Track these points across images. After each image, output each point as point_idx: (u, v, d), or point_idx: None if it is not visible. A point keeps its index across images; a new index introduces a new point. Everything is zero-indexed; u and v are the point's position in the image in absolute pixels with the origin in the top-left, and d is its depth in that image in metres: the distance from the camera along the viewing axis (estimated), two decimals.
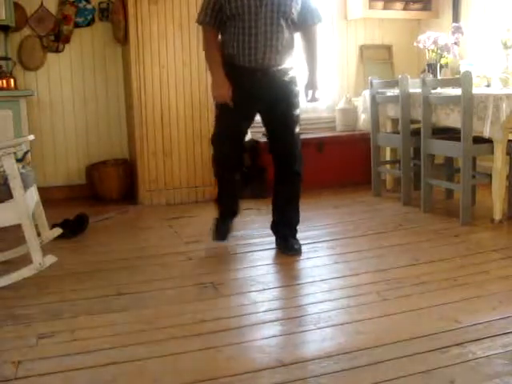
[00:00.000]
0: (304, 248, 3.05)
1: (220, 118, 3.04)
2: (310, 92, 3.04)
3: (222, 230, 3.18)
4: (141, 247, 3.26)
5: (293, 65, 2.95)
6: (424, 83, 3.69)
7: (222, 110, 2.98)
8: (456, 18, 4.92)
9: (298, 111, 2.99)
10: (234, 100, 2.88)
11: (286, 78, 2.92)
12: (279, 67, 2.87)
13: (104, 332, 2.12)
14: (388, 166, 4.54)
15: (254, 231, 3.44)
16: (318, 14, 2.97)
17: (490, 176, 3.50)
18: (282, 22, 2.81)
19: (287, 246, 3.02)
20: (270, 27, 2.78)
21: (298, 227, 3.12)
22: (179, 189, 4.37)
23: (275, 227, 3.15)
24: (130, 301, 2.44)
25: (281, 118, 2.95)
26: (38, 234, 2.81)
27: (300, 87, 3.02)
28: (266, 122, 3.04)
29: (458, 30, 4.32)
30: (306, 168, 4.76)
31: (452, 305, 2.28)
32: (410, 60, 5.29)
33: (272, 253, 3.06)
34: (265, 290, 2.55)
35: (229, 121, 2.97)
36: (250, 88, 2.87)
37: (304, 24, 2.93)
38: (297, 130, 2.99)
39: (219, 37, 2.95)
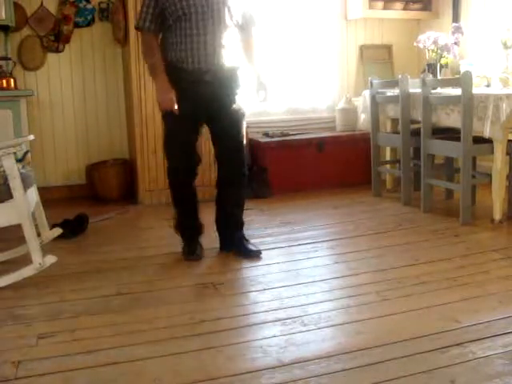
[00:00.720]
0: (304, 248, 3.06)
1: (168, 127, 2.92)
2: (262, 92, 3.00)
3: (192, 248, 3.01)
4: (141, 247, 3.26)
5: (238, 64, 2.91)
6: (424, 83, 3.69)
7: (169, 118, 2.86)
8: (456, 18, 4.92)
9: (242, 110, 2.94)
10: (182, 106, 2.79)
11: (232, 78, 2.89)
12: (227, 67, 2.84)
13: (104, 332, 2.12)
14: (388, 166, 4.54)
15: (254, 231, 3.43)
16: (253, 18, 2.97)
17: (489, 176, 3.50)
18: (227, 23, 2.80)
19: (245, 250, 3.00)
20: (217, 27, 2.75)
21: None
22: None
23: (221, 229, 3.13)
24: (129, 301, 2.44)
25: (227, 119, 2.89)
26: (38, 234, 2.81)
27: (247, 89, 3.00)
28: (213, 124, 2.94)
29: (457, 29, 4.32)
30: (305, 168, 4.78)
31: (452, 305, 2.28)
32: (409, 60, 5.29)
33: (272, 253, 3.06)
34: (265, 290, 2.55)
35: (178, 129, 2.86)
36: (199, 91, 2.80)
37: (243, 27, 2.92)
38: (242, 130, 2.96)
39: (159, 41, 2.89)
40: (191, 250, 2.99)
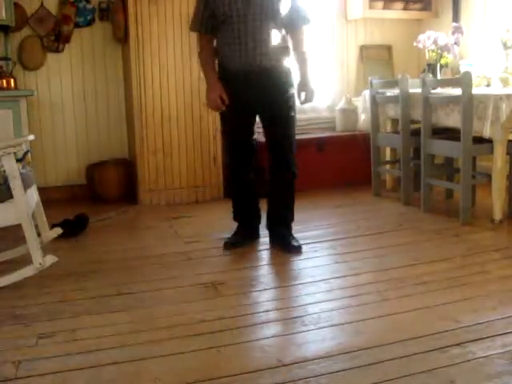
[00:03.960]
0: (304, 248, 3.06)
1: (223, 125, 3.12)
2: (303, 93, 3.03)
3: (235, 241, 3.16)
4: (141, 247, 3.26)
5: (288, 65, 2.96)
6: (424, 83, 3.69)
7: (223, 116, 3.05)
8: (456, 17, 4.92)
9: (292, 112, 2.99)
10: (233, 105, 2.91)
11: (281, 79, 2.93)
12: (271, 67, 2.88)
13: (104, 332, 2.12)
14: (388, 166, 4.54)
15: None
16: (306, 15, 2.98)
17: (489, 176, 3.50)
18: (271, 23, 2.83)
19: (287, 245, 3.03)
20: (259, 29, 2.81)
21: (293, 226, 3.16)
22: (179, 189, 4.37)
23: (270, 226, 3.18)
24: (129, 301, 2.44)
25: (275, 119, 2.97)
26: (38, 234, 2.81)
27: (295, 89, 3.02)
28: (262, 122, 3.05)
29: (457, 29, 4.32)
30: (306, 168, 4.76)
31: (452, 305, 2.28)
32: (409, 60, 5.29)
33: (272, 253, 3.06)
34: (265, 289, 2.55)
35: (231, 126, 3.03)
36: (245, 90, 2.88)
37: (292, 26, 2.95)
38: (292, 131, 3.01)
39: (214, 42, 2.99)
40: (231, 242, 3.13)
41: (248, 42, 2.81)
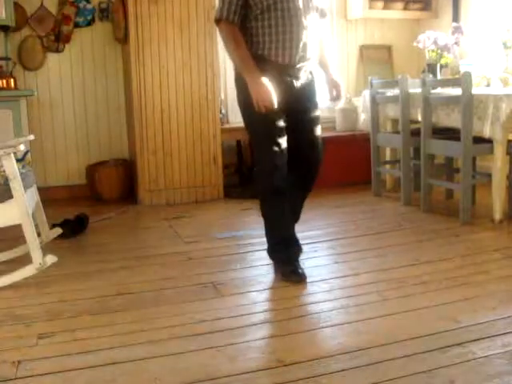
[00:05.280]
0: (304, 248, 3.04)
1: (261, 124, 2.60)
2: (334, 90, 2.82)
3: (295, 268, 2.65)
4: (141, 247, 3.26)
5: (315, 61, 2.75)
6: (424, 83, 3.69)
7: (259, 116, 2.53)
8: (456, 18, 4.92)
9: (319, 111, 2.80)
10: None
11: (312, 75, 2.73)
12: (310, 63, 2.67)
13: (104, 332, 2.12)
14: (388, 166, 4.54)
15: (254, 231, 3.43)
16: (324, 9, 2.83)
17: (490, 176, 3.50)
18: (313, 14, 2.62)
19: None
20: (307, 19, 2.56)
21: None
22: (179, 189, 4.37)
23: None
24: (129, 301, 2.44)
25: (313, 119, 2.73)
26: (38, 234, 2.81)
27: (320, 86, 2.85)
28: (292, 124, 2.67)
29: (457, 29, 4.33)
30: None
31: (452, 305, 2.28)
32: (410, 60, 5.29)
33: None
34: (265, 289, 2.55)
35: (270, 128, 2.58)
36: (286, 87, 2.59)
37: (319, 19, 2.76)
38: (320, 132, 2.80)
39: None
40: (295, 270, 2.63)
41: (296, 32, 2.53)
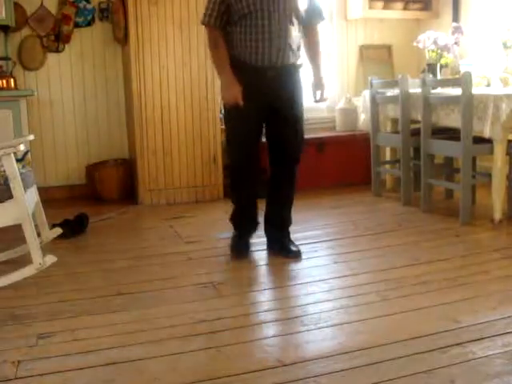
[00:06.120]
0: (304, 248, 3.05)
1: (231, 123, 2.91)
2: (319, 92, 2.97)
3: (241, 246, 3.05)
4: (141, 247, 3.26)
5: (301, 62, 2.90)
6: (424, 83, 3.69)
7: (232, 114, 2.84)
8: (456, 18, 4.92)
9: (303, 111, 2.94)
10: (245, 103, 2.77)
11: (299, 77, 2.89)
12: (290, 65, 2.82)
13: (104, 332, 2.12)
14: (388, 166, 4.54)
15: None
16: (322, 12, 2.95)
17: (489, 176, 3.50)
18: (294, 20, 2.78)
19: (285, 249, 2.98)
20: (283, 25, 2.73)
21: (293, 225, 3.12)
22: (179, 189, 4.37)
23: (269, 228, 3.09)
24: (129, 301, 2.44)
25: (292, 118, 2.88)
26: (38, 234, 2.81)
27: (306, 87, 2.97)
28: (274, 121, 2.90)
29: (457, 29, 4.33)
30: (306, 168, 4.76)
31: (452, 305, 2.28)
32: (409, 60, 5.29)
33: (272, 253, 3.06)
34: (265, 289, 2.55)
35: (242, 125, 2.85)
36: (262, 88, 2.79)
37: (309, 22, 2.89)
38: (303, 131, 2.95)
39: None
40: (239, 250, 3.02)
41: (272, 39, 2.72)
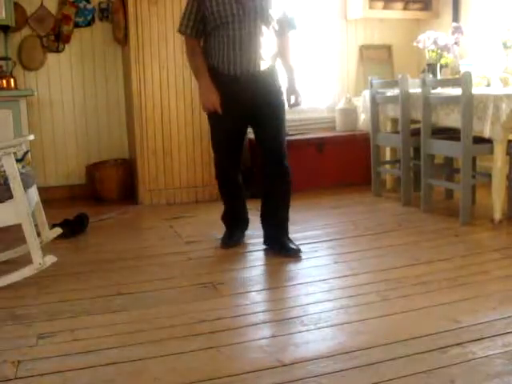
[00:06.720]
0: (304, 248, 3.05)
1: (211, 129, 3.07)
2: (293, 97, 3.03)
3: (230, 242, 3.19)
4: (141, 247, 3.26)
5: (273, 67, 2.97)
6: (424, 83, 3.69)
7: (213, 120, 3.00)
8: (456, 18, 4.92)
9: (284, 114, 3.00)
10: (223, 109, 2.89)
11: (274, 82, 2.96)
12: (265, 72, 2.90)
13: (104, 332, 2.12)
14: (388, 166, 4.54)
15: (254, 231, 3.42)
16: (293, 22, 3.02)
17: (489, 176, 3.50)
18: (264, 30, 2.86)
19: (284, 248, 3.00)
20: (254, 35, 2.82)
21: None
22: (179, 189, 4.37)
23: (265, 225, 3.13)
24: (129, 301, 2.44)
25: (270, 121, 2.94)
26: (38, 234, 2.81)
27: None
28: (256, 125, 3.01)
29: (457, 29, 4.33)
30: (305, 168, 4.77)
31: (452, 305, 2.28)
32: (409, 60, 5.29)
33: (271, 253, 3.06)
34: (265, 290, 2.55)
35: (220, 131, 3.00)
36: (238, 95, 2.87)
37: (281, 32, 2.96)
38: (284, 132, 3.03)
39: (201, 44, 2.99)
40: (231, 235, 3.20)
41: (243, 48, 2.82)
